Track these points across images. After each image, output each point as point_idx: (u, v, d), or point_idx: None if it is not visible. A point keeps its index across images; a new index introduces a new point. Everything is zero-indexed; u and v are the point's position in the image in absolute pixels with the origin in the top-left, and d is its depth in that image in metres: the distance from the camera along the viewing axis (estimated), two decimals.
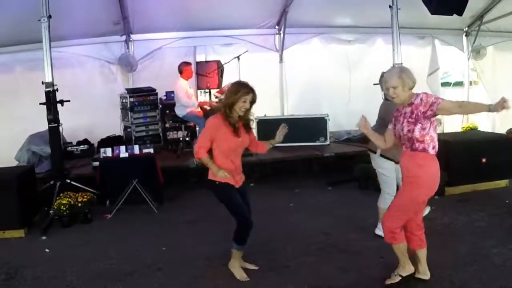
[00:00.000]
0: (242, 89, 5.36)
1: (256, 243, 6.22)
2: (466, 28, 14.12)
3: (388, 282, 5.39)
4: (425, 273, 5.47)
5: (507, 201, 8.38)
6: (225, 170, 5.39)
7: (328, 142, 11.21)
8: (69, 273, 6.10)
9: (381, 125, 6.53)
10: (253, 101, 5.43)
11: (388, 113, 6.63)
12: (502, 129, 12.55)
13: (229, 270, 5.88)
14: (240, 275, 5.78)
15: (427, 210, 7.27)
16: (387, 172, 6.69)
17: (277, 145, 7.30)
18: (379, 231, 6.81)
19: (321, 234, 7.20)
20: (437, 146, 5.01)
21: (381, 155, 6.64)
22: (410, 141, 5.01)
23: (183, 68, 10.75)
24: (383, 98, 6.89)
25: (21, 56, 11.02)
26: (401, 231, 5.22)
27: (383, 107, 6.87)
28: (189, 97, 10.59)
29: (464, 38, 14.31)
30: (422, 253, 5.45)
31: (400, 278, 5.38)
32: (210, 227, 7.57)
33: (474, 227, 7.29)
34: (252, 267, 6.02)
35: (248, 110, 5.47)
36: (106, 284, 5.77)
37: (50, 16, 8.29)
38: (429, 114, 4.87)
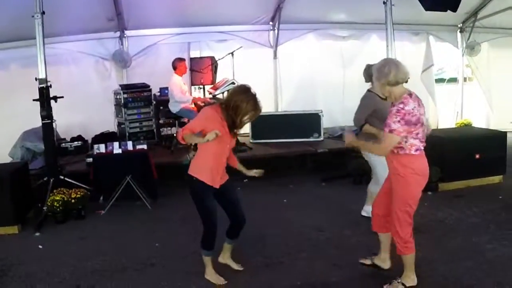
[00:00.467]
0: (258, 107, 5.24)
1: (250, 239, 6.25)
2: (461, 25, 14.17)
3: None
4: (384, 262, 5.57)
5: (500, 197, 8.40)
6: (208, 168, 5.32)
7: (322, 138, 11.20)
8: (62, 269, 6.11)
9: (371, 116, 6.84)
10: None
11: (368, 105, 6.84)
12: (496, 125, 12.58)
13: (222, 266, 5.89)
14: (216, 279, 5.67)
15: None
16: (383, 162, 6.74)
17: (270, 140, 7.37)
18: (365, 213, 7.24)
19: (315, 230, 7.23)
20: (421, 147, 4.94)
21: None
22: None
23: (177, 64, 10.74)
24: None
25: (15, 53, 10.95)
26: (413, 240, 5.11)
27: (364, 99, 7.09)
28: (183, 93, 10.58)
29: (459, 34, 14.37)
30: (386, 238, 5.50)
31: (402, 287, 5.21)
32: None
33: (468, 223, 7.31)
34: (235, 267, 5.96)
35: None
36: (99, 280, 5.78)
37: (43, 13, 8.27)
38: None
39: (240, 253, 6.04)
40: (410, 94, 4.92)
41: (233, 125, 5.28)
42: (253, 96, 5.20)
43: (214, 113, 5.22)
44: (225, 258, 6.00)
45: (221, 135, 5.11)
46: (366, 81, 7.21)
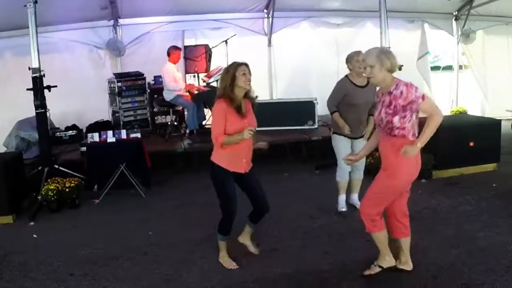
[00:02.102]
0: (233, 64, 5.34)
1: (243, 227, 6.24)
2: (456, 12, 14.16)
3: (367, 273, 5.31)
4: (407, 263, 5.36)
5: (494, 185, 8.42)
6: (226, 153, 5.39)
7: (316, 126, 11.20)
8: (56, 258, 6.14)
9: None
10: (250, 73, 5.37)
11: (338, 90, 7.08)
12: (491, 113, 12.64)
13: (216, 254, 5.92)
14: (229, 265, 5.76)
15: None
16: (341, 148, 7.19)
17: (265, 128, 7.37)
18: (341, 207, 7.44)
19: (308, 218, 7.27)
20: (417, 132, 4.89)
21: (335, 133, 7.17)
22: (389, 128, 4.87)
23: (171, 51, 10.74)
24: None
25: (9, 42, 10.92)
26: (381, 219, 5.08)
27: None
28: (176, 81, 10.57)
29: (454, 22, 14.36)
30: (406, 242, 5.32)
31: (380, 269, 5.27)
32: (197, 212, 7.60)
33: (461, 210, 7.34)
34: (253, 250, 6.08)
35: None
36: (93, 269, 5.81)
37: (36, 1, 8.25)
38: (409, 109, 4.73)
39: (232, 241, 6.00)
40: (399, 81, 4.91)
41: (238, 107, 5.35)
42: (230, 64, 5.43)
43: (222, 105, 5.30)
44: (244, 238, 6.09)
45: (235, 124, 5.27)
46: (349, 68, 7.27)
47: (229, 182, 5.49)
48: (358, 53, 6.88)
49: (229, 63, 9.97)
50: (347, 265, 5.65)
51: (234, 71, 5.26)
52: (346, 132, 6.97)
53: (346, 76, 7.12)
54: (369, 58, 4.90)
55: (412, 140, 4.81)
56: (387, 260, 5.25)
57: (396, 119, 4.78)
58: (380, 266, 5.27)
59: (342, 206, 7.46)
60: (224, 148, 5.35)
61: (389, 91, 4.86)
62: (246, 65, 5.35)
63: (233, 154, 5.42)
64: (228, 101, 5.29)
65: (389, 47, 9.51)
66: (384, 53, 4.87)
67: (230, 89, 5.27)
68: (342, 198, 7.50)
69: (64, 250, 6.36)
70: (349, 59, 7.07)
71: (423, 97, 4.69)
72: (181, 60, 11.40)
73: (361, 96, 6.91)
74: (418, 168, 5.01)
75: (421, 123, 4.86)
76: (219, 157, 5.45)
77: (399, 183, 4.95)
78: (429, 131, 4.73)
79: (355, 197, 7.52)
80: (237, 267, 5.73)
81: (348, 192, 7.55)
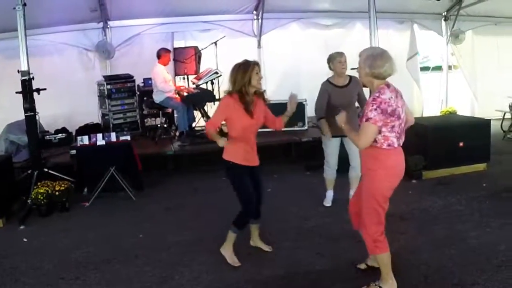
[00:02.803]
0: (249, 64, 5.45)
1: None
2: (445, 13, 14.21)
3: None
4: (376, 262, 5.26)
5: (484, 185, 8.46)
6: (241, 150, 5.55)
7: (306, 127, 11.26)
8: (47, 262, 6.11)
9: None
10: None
11: (321, 93, 7.30)
12: (480, 113, 12.70)
13: (207, 256, 5.98)
14: (232, 260, 5.84)
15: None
16: (329, 149, 7.46)
17: None
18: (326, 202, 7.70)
19: (299, 219, 7.28)
20: (395, 143, 4.71)
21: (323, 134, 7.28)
22: None
23: (162, 53, 10.74)
24: None
25: None
26: (384, 239, 4.89)
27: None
28: (166, 82, 10.55)
29: (443, 22, 14.42)
30: None
31: None
32: (188, 214, 7.59)
33: (452, 210, 7.37)
34: (266, 248, 6.19)
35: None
36: (84, 272, 5.79)
37: (25, 4, 8.21)
38: None
39: (223, 241, 6.00)
40: (388, 85, 4.75)
41: (247, 105, 5.45)
42: (239, 63, 5.53)
43: (231, 100, 5.45)
44: (255, 240, 6.23)
45: (244, 121, 5.46)
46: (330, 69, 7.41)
47: (245, 176, 5.64)
48: (340, 54, 7.10)
49: (219, 65, 10.03)
50: (339, 266, 5.66)
51: (251, 70, 5.39)
52: (328, 138, 7.20)
53: (327, 79, 7.24)
54: (360, 57, 4.84)
55: (388, 150, 4.71)
56: (389, 284, 4.98)
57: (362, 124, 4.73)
58: (380, 287, 5.04)
59: (327, 202, 7.73)
60: (234, 146, 5.50)
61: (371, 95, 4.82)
62: (258, 65, 5.52)
63: (246, 151, 5.60)
64: (239, 97, 5.42)
65: None
66: (372, 59, 4.70)
67: (245, 87, 5.40)
68: (329, 193, 7.75)
69: (55, 254, 6.33)
70: (331, 60, 7.22)
71: (368, 119, 4.57)
72: (171, 62, 11.36)
73: (342, 96, 7.07)
74: (398, 173, 4.85)
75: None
76: (232, 154, 5.59)
77: (380, 186, 4.78)
78: (351, 135, 4.90)
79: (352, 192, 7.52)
80: (239, 264, 5.80)
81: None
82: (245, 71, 5.38)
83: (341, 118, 5.02)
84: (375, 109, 4.55)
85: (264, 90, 5.83)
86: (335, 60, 7.15)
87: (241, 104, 5.43)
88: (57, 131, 11.06)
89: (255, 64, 5.46)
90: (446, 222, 6.85)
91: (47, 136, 10.73)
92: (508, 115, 12.58)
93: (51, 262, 6.08)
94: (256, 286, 5.35)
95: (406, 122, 4.87)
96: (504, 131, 12.35)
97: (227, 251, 5.88)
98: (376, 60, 4.67)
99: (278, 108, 10.77)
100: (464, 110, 14.17)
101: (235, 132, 5.53)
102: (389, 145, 4.69)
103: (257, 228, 6.18)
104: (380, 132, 4.63)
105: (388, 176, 4.79)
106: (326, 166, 7.68)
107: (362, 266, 5.52)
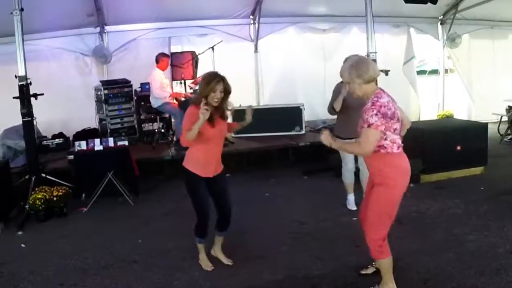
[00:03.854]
0: (212, 79, 5.36)
1: (232, 233, 6.24)
2: (441, 16, 14.29)
3: None
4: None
5: (482, 188, 8.48)
6: (199, 160, 5.52)
7: (303, 132, 11.26)
8: (45, 268, 6.09)
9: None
10: (226, 91, 5.43)
11: (334, 92, 7.32)
12: (477, 117, 12.73)
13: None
14: (205, 264, 5.94)
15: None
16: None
17: (252, 135, 7.44)
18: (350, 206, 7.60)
19: (297, 223, 7.28)
20: (401, 144, 4.74)
21: (338, 136, 6.95)
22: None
23: (160, 58, 10.76)
24: None
25: None
26: (386, 244, 4.90)
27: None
28: (162, 88, 10.55)
29: (439, 26, 14.49)
30: None
31: None
32: (186, 219, 7.48)
33: (450, 214, 7.38)
34: (225, 261, 6.07)
35: (223, 100, 5.47)
36: (83, 278, 5.77)
37: (22, 9, 8.21)
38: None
39: (224, 247, 6.08)
40: (383, 90, 4.77)
41: (215, 111, 5.44)
42: (207, 73, 5.61)
43: (195, 110, 5.31)
44: (216, 251, 6.16)
45: (205, 132, 5.35)
46: None
47: (200, 186, 5.61)
48: None
49: (216, 69, 10.03)
50: (339, 270, 5.66)
51: (211, 86, 5.32)
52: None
53: (342, 81, 7.19)
54: (344, 76, 4.80)
55: (400, 153, 4.71)
56: (390, 287, 5.04)
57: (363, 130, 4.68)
58: None
59: (352, 205, 7.65)
60: (194, 155, 5.57)
61: (366, 102, 4.77)
62: (223, 81, 5.40)
63: (206, 162, 5.56)
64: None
65: (376, 52, 9.58)
66: (355, 67, 4.68)
67: (205, 99, 5.35)
68: (350, 197, 7.70)
69: (54, 260, 6.32)
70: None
71: (369, 125, 4.54)
72: (168, 67, 11.35)
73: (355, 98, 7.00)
74: (409, 176, 4.87)
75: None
76: (191, 164, 5.59)
77: (398, 191, 4.77)
78: (345, 147, 4.99)
79: None
80: (213, 268, 5.87)
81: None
82: (207, 84, 5.36)
83: (325, 138, 4.94)
84: (375, 114, 4.52)
85: (231, 108, 5.78)
86: None
87: None
88: (54, 136, 11.06)
89: (219, 80, 5.36)
90: (444, 226, 6.86)
91: (44, 141, 10.72)
92: (504, 118, 12.60)
93: (50, 268, 6.07)
94: None
95: (403, 126, 4.88)
96: (501, 135, 12.38)
97: (201, 260, 5.99)
98: (359, 66, 4.68)
99: (273, 113, 11.07)
100: (461, 113, 14.23)
101: (198, 141, 5.41)
102: (398, 147, 4.70)
103: (220, 239, 6.11)
104: (385, 137, 4.61)
105: (406, 180, 4.83)
106: (345, 170, 7.63)
107: (369, 270, 5.48)
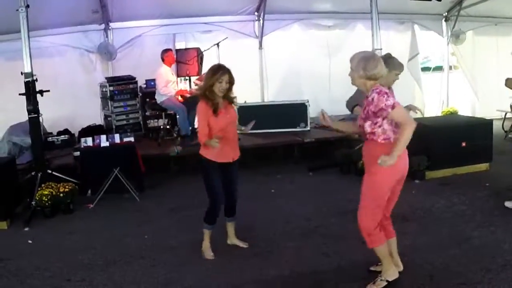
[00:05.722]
0: (218, 71, 5.64)
1: (238, 228, 6.29)
2: (446, 13, 14.25)
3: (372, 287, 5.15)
4: (397, 265, 5.30)
5: (487, 185, 8.46)
6: (216, 148, 5.59)
7: (308, 128, 11.25)
8: (52, 263, 6.11)
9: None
10: (230, 82, 5.68)
11: (356, 91, 7.01)
12: (481, 113, 12.71)
13: (215, 256, 6.08)
14: (207, 253, 6.09)
15: None
16: None
17: (258, 131, 7.46)
18: None
19: (303, 219, 7.27)
20: (391, 136, 4.76)
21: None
22: (362, 133, 4.94)
23: (163, 55, 10.79)
24: None
25: (1, 47, 10.88)
26: (379, 232, 4.98)
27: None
28: (167, 86, 10.58)
29: (444, 23, 14.45)
30: (393, 243, 5.28)
31: (385, 283, 5.10)
32: (192, 214, 7.56)
33: (455, 210, 7.38)
34: (242, 245, 6.30)
35: (228, 91, 5.72)
36: (90, 274, 5.79)
37: (28, 6, 8.23)
38: (380, 116, 4.71)
39: (233, 244, 6.18)
40: (381, 85, 4.84)
41: (213, 107, 5.68)
42: (212, 66, 5.86)
43: (203, 105, 5.69)
44: (231, 238, 6.35)
45: (214, 123, 5.67)
46: None
47: (215, 173, 5.84)
48: (402, 66, 6.84)
49: None
50: (344, 267, 5.67)
51: (216, 77, 5.60)
52: None
53: None
54: (352, 62, 4.87)
55: (383, 143, 4.78)
56: (391, 273, 5.12)
57: (367, 125, 4.79)
58: (386, 280, 5.11)
59: None
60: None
61: (367, 95, 4.85)
62: (228, 72, 5.67)
63: (220, 148, 5.67)
64: (205, 101, 5.67)
65: (381, 49, 9.58)
66: (365, 60, 4.77)
67: (209, 91, 5.66)
68: None
69: (60, 256, 6.34)
70: (388, 66, 6.84)
71: (393, 106, 4.60)
72: (173, 64, 11.36)
73: None
74: (400, 167, 4.87)
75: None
76: (206, 150, 5.77)
77: (383, 181, 4.83)
78: (403, 142, 4.70)
79: None
80: (213, 257, 6.04)
81: None
82: (212, 75, 5.63)
83: (321, 118, 5.16)
84: (388, 97, 4.65)
85: (235, 97, 5.98)
86: (394, 71, 6.23)
87: (209, 106, 5.66)
88: (59, 133, 11.08)
89: (224, 72, 5.63)
90: (450, 222, 6.86)
91: (50, 138, 10.75)
92: (509, 115, 12.59)
93: (57, 264, 6.08)
94: (263, 287, 5.37)
95: None
96: (505, 131, 12.37)
97: (204, 247, 6.12)
98: (369, 62, 4.75)
99: (279, 109, 11.07)
100: (465, 110, 14.21)
101: (213, 132, 5.69)
102: (384, 138, 4.79)
103: (232, 225, 6.33)
104: (380, 124, 4.75)
105: (393, 171, 4.82)
106: None
107: (379, 268, 5.39)
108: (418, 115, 8.64)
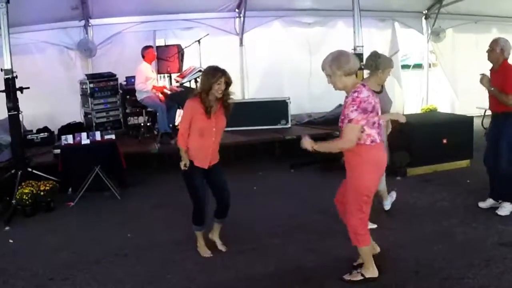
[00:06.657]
0: (216, 72, 5.60)
1: (223, 226, 6.27)
2: (426, 11, 14.34)
3: (348, 278, 5.26)
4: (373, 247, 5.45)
5: (468, 181, 8.58)
6: (195, 150, 5.75)
7: (289, 125, 11.24)
8: (35, 263, 6.05)
9: None
10: (228, 83, 5.65)
11: None
12: (461, 111, 12.80)
13: (197, 253, 6.07)
14: (203, 251, 6.09)
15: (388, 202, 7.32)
16: None
17: (238, 128, 7.48)
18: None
19: (286, 216, 7.30)
20: (377, 139, 4.86)
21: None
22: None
23: (144, 52, 10.68)
24: None
25: None
26: (366, 234, 5.09)
27: None
28: (145, 82, 10.47)
29: (424, 20, 14.55)
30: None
31: (362, 277, 5.20)
32: (175, 211, 7.56)
33: (437, 207, 7.47)
34: (220, 246, 6.24)
35: (226, 92, 5.70)
36: (73, 273, 5.74)
37: (8, 1, 8.14)
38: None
39: (213, 240, 6.16)
40: (364, 85, 4.86)
41: (208, 108, 5.66)
42: (209, 67, 5.83)
43: (193, 103, 5.71)
44: (213, 235, 6.30)
45: (201, 123, 5.67)
46: (367, 68, 6.95)
47: (196, 174, 5.84)
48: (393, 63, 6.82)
49: (202, 63, 10.01)
50: (330, 262, 5.71)
51: (215, 80, 5.55)
52: None
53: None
54: (325, 68, 4.87)
55: (372, 146, 4.83)
56: (371, 271, 5.20)
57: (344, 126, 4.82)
58: (362, 275, 5.21)
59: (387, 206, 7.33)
60: (191, 144, 5.78)
61: (346, 96, 4.89)
62: (225, 74, 5.65)
63: (202, 153, 5.79)
64: (200, 100, 5.64)
65: (362, 46, 9.61)
66: (336, 60, 4.79)
67: (205, 93, 5.61)
68: (386, 202, 7.35)
69: (42, 255, 6.28)
70: (383, 65, 6.67)
71: (350, 120, 4.69)
72: (154, 61, 11.30)
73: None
74: (378, 167, 5.04)
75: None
76: (190, 154, 5.82)
77: (366, 181, 4.94)
78: (328, 146, 5.09)
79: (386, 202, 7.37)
80: (211, 255, 6.03)
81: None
82: (212, 76, 5.59)
83: (306, 143, 5.15)
84: (356, 110, 4.68)
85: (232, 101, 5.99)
86: (388, 68, 6.68)
87: (202, 106, 5.64)
88: (39, 131, 10.93)
89: (223, 74, 5.61)
90: (433, 218, 6.93)
91: (29, 136, 10.61)
92: (488, 112, 12.68)
93: (39, 263, 6.02)
94: (250, 284, 5.38)
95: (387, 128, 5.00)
96: (485, 128, 12.42)
97: (199, 248, 6.13)
98: (340, 60, 4.78)
99: (259, 107, 11.03)
100: (445, 107, 14.34)
101: (195, 132, 5.72)
102: (372, 141, 4.83)
103: (219, 227, 6.27)
104: (363, 130, 4.75)
105: (371, 170, 4.95)
106: None
107: (361, 260, 5.52)
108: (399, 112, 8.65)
